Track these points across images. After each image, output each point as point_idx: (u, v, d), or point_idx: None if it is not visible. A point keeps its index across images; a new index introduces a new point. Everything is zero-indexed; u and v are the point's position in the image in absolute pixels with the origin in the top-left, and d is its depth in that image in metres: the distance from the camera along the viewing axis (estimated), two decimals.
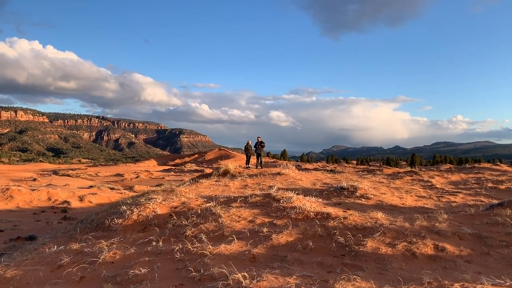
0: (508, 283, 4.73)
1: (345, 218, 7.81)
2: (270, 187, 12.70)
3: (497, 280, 4.81)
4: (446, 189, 15.01)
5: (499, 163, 34.15)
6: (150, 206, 9.19)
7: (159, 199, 9.80)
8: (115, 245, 7.28)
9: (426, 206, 11.05)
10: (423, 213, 8.98)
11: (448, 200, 12.36)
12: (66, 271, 6.21)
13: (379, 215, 8.09)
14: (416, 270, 5.55)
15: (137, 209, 9.07)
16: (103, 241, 7.48)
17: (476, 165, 24.96)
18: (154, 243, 7.17)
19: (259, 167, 20.85)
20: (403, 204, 11.02)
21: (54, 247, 7.46)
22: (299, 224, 7.68)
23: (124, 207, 9.33)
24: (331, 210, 8.51)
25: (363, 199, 10.96)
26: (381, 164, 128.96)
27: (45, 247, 7.61)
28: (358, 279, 5.04)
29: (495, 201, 11.15)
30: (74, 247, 7.37)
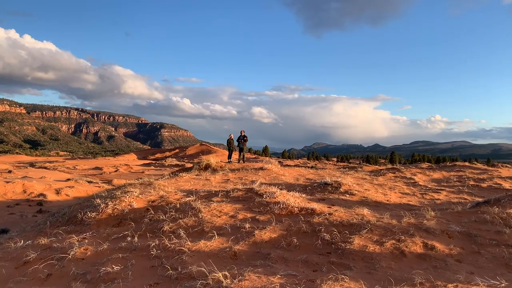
0: (503, 284, 4.49)
1: (330, 214, 7.52)
2: (253, 181, 12.36)
3: (492, 281, 4.57)
4: (429, 186, 14.93)
5: (475, 163, 34.63)
6: (126, 200, 8.74)
7: (135, 192, 9.34)
8: (87, 240, 6.83)
9: (410, 203, 10.88)
10: (408, 210, 8.79)
11: (432, 197, 12.25)
12: (32, 268, 5.75)
13: (365, 211, 7.83)
14: (406, 269, 5.28)
15: (112, 202, 8.60)
16: (74, 235, 7.02)
17: (457, 163, 25.13)
18: (129, 239, 6.74)
19: (241, 161, 20.47)
20: (387, 200, 10.82)
21: (20, 242, 6.95)
22: (283, 220, 7.35)
23: (98, 200, 8.85)
24: (316, 205, 8.21)
25: (348, 195, 10.72)
26: (361, 161, 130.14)
27: (11, 241, 7.08)
28: (347, 279, 4.73)
29: (479, 199, 11.07)
30: (43, 242, 6.88)
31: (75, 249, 6.23)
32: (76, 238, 6.87)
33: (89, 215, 8.21)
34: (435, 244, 6.12)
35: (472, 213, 8.05)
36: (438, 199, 11.94)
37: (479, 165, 24.26)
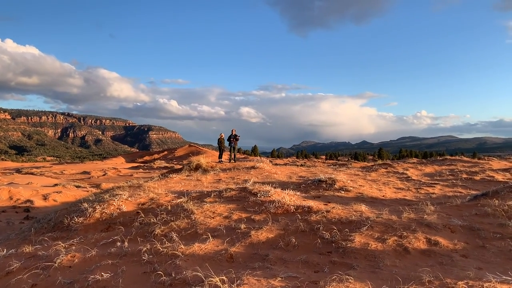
0: None
1: (327, 211, 7.27)
2: (245, 181, 12.07)
3: (504, 277, 4.35)
4: (423, 180, 14.81)
5: (462, 157, 34.81)
6: (114, 203, 8.39)
7: (124, 195, 8.99)
8: (74, 247, 6.48)
9: (406, 198, 10.71)
10: (406, 205, 8.57)
11: (426, 191, 12.10)
12: (16, 278, 5.38)
13: (363, 207, 7.61)
14: (411, 267, 5.04)
15: (100, 206, 8.24)
16: (60, 242, 6.65)
17: (448, 157, 25.16)
18: (118, 244, 6.41)
19: (232, 161, 20.16)
20: (383, 196, 10.63)
21: (3, 251, 6.57)
22: (280, 219, 7.08)
23: (85, 204, 8.47)
24: (312, 203, 7.96)
25: (343, 192, 10.50)
26: (349, 158, 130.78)
27: None
28: (351, 279, 4.48)
29: (474, 192, 10.94)
30: (27, 250, 6.50)
31: (62, 256, 5.88)
32: (63, 244, 6.51)
33: (76, 220, 7.84)
34: (439, 239, 5.91)
35: (471, 206, 7.88)
36: (433, 193, 11.79)
37: (470, 158, 24.31)
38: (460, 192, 11.90)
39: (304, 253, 5.74)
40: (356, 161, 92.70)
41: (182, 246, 5.92)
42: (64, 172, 63.57)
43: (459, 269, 4.82)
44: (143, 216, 7.66)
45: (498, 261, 5.25)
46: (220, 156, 21.91)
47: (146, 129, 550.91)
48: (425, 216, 6.89)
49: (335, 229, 6.30)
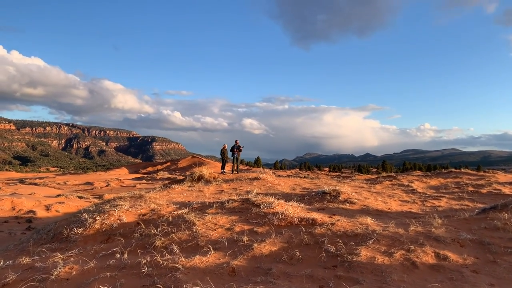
0: None
1: (332, 224, 7.09)
2: (248, 192, 11.90)
3: None
4: (428, 193, 14.59)
5: (467, 170, 34.51)
6: (115, 214, 8.23)
7: (125, 206, 8.84)
8: (72, 259, 6.31)
9: (412, 210, 10.51)
10: (412, 218, 8.38)
11: (432, 204, 11.89)
12: None
13: (369, 220, 7.43)
14: (419, 282, 4.86)
15: (100, 217, 8.09)
16: (59, 254, 6.49)
17: (453, 170, 24.90)
18: (118, 256, 6.24)
19: (235, 172, 19.99)
20: (389, 208, 10.43)
21: (0, 262, 6.42)
22: (283, 232, 6.91)
23: (85, 215, 8.32)
24: (316, 215, 7.78)
25: (347, 204, 10.31)
26: (353, 171, 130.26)
27: None
28: None
29: (481, 205, 10.72)
30: (24, 261, 6.34)
31: (59, 268, 5.72)
32: (61, 256, 6.35)
33: (76, 231, 7.69)
34: (448, 253, 5.72)
35: (480, 219, 7.68)
36: (439, 206, 11.58)
37: (476, 171, 24.05)
38: (467, 205, 11.68)
39: (308, 267, 5.56)
40: (359, 174, 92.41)
41: (183, 259, 5.76)
42: (67, 182, 63.51)
43: (470, 285, 4.64)
44: (144, 227, 7.51)
45: (511, 277, 5.05)
46: (222, 167, 21.75)
47: (149, 140, 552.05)
48: (432, 230, 6.71)
49: (340, 243, 6.13)
